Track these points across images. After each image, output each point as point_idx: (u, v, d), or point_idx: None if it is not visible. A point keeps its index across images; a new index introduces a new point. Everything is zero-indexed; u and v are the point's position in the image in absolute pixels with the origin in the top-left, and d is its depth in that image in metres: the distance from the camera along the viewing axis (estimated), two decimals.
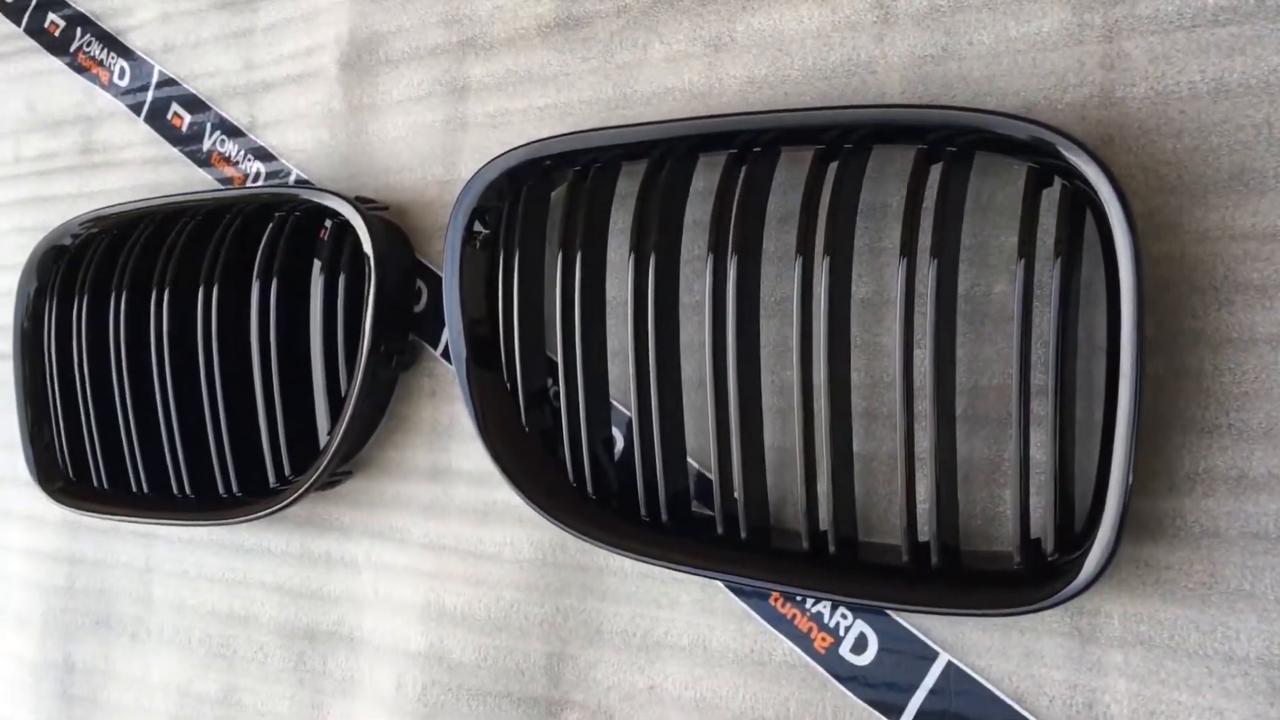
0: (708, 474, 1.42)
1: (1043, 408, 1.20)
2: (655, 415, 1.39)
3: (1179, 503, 1.20)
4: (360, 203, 1.69)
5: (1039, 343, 1.26)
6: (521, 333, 1.50)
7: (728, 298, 1.34)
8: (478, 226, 1.54)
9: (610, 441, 1.53)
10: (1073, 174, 1.21)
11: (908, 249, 1.23)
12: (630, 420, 1.43)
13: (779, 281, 1.44)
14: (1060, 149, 1.19)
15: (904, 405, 1.25)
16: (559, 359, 1.45)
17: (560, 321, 1.43)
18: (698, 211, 1.43)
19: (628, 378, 1.39)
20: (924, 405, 1.21)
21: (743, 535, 1.43)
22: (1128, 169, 1.25)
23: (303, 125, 1.89)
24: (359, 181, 1.83)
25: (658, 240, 1.41)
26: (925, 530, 1.25)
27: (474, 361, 1.55)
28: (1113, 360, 1.20)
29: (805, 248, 1.28)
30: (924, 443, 1.22)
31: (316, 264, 1.69)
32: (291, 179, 1.87)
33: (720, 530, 1.43)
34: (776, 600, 1.49)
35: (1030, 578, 1.26)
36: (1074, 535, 1.27)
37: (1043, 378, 1.20)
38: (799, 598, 1.46)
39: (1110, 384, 1.21)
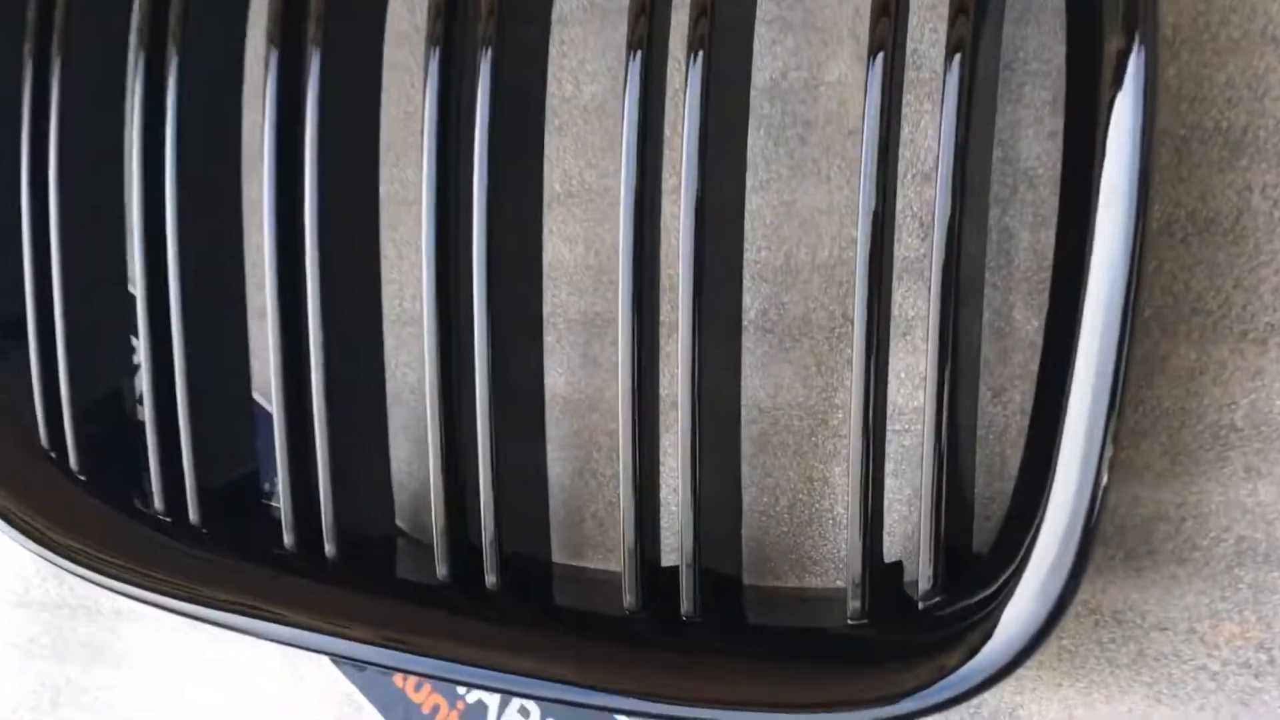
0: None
1: (915, 312, 0.66)
2: None
3: (1198, 496, 0.52)
4: None
5: (911, 178, 0.65)
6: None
7: None
8: None
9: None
10: None
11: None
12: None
13: None
14: None
15: (631, 299, 0.57)
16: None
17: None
18: None
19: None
20: (675, 306, 0.64)
21: (330, 555, 0.71)
22: None
23: None
24: None
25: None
26: (673, 546, 0.65)
27: None
28: (1073, 218, 0.54)
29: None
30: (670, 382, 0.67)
31: None
32: None
33: (295, 548, 0.71)
34: (404, 682, 0.77)
35: (881, 643, 0.57)
36: (971, 562, 0.59)
37: (916, 248, 0.66)
38: (435, 678, 0.74)
39: (1067, 266, 0.55)
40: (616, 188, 0.76)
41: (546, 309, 0.75)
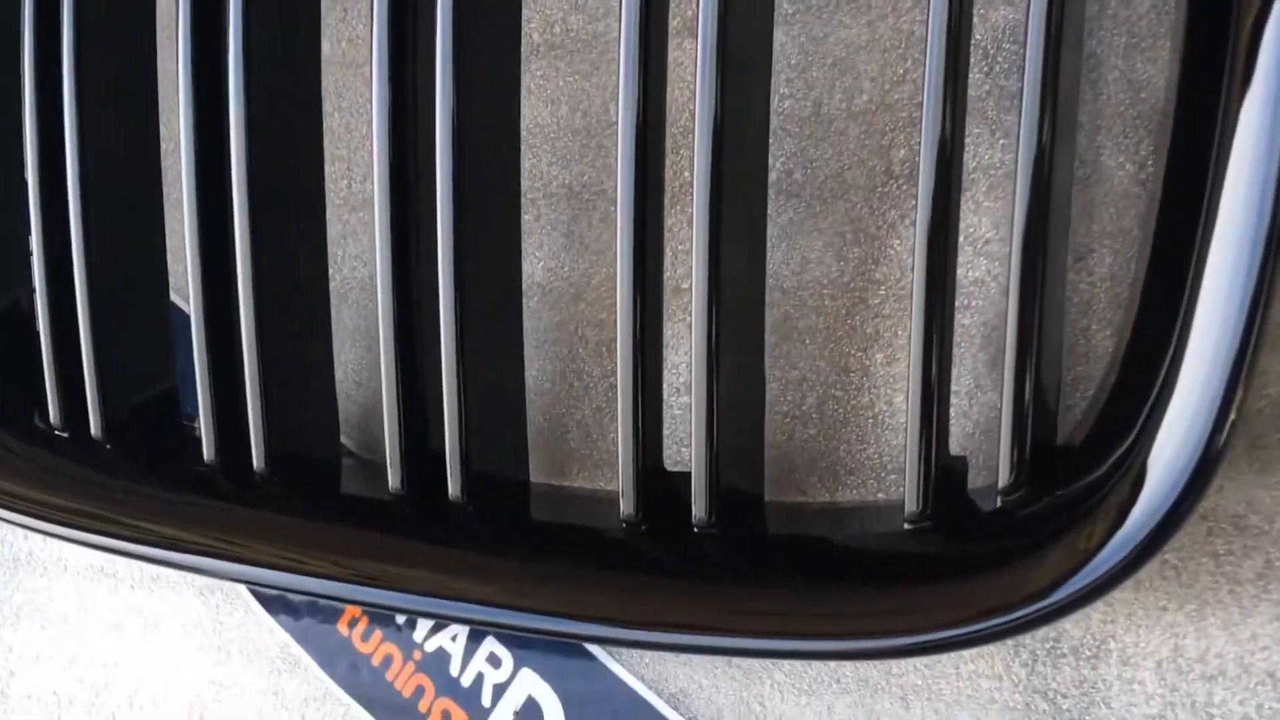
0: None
1: (978, 161, 0.54)
2: None
3: None
4: None
5: None
6: None
7: None
8: None
9: None
10: None
11: None
12: None
13: None
14: None
15: (633, 159, 0.47)
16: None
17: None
18: None
19: None
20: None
21: (259, 470, 0.57)
22: None
23: None
24: None
25: None
26: (684, 453, 0.55)
27: None
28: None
29: None
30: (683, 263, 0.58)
31: None
32: None
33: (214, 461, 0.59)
34: (350, 630, 0.64)
35: (951, 554, 0.44)
36: (1061, 454, 0.46)
37: (980, 84, 0.55)
38: (385, 609, 0.61)
39: (1197, 89, 0.43)
40: (605, 34, 0.64)
41: (524, 182, 0.62)
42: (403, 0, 0.57)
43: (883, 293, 0.57)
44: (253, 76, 0.59)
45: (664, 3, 0.54)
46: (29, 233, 0.73)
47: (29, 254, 0.76)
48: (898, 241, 0.57)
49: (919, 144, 0.56)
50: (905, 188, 0.57)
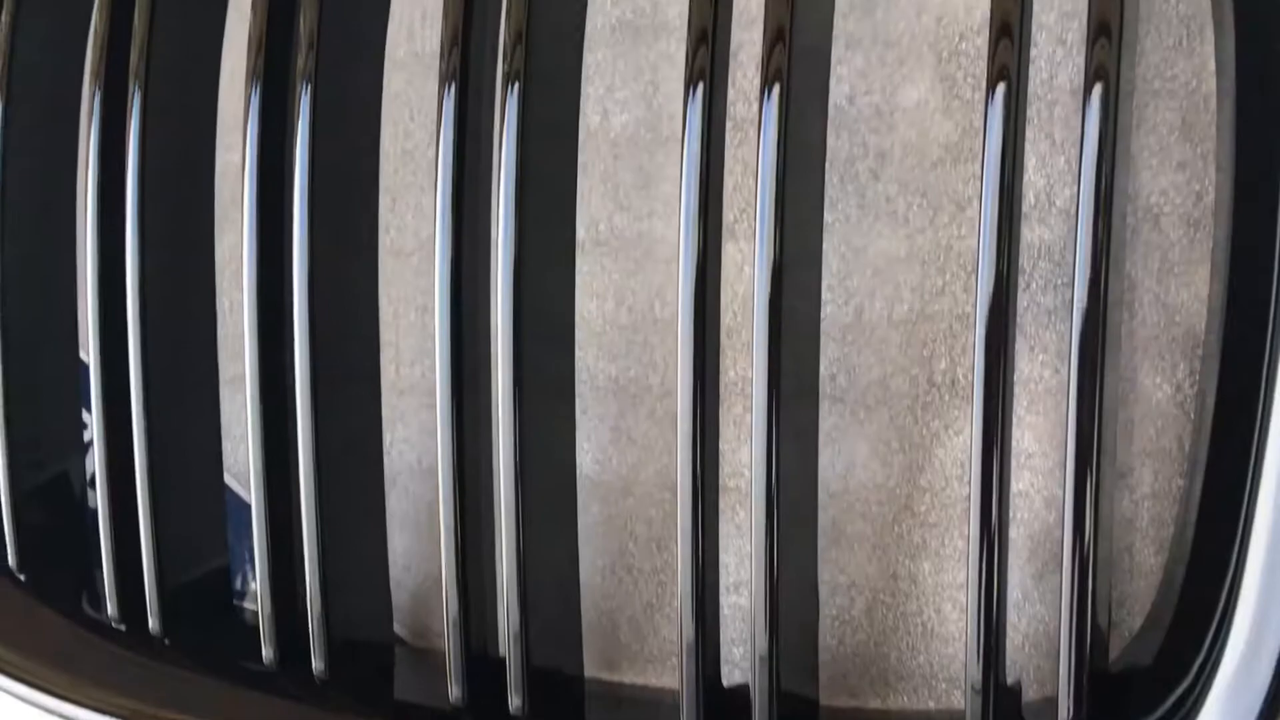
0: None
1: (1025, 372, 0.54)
2: None
3: None
4: None
5: (1042, 208, 0.55)
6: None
7: None
8: None
9: None
10: None
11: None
12: None
13: None
14: None
15: (692, 361, 0.53)
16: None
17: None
18: None
19: None
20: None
21: (319, 672, 0.60)
22: None
23: None
24: None
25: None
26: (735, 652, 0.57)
27: None
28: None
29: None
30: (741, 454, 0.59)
31: None
32: None
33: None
34: None
35: None
36: (1118, 682, 0.48)
37: (1047, 296, 0.56)
38: None
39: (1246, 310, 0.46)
40: (649, 234, 0.66)
41: None
42: (462, 193, 0.59)
43: (929, 500, 0.59)
44: (315, 259, 0.61)
45: (719, 209, 0.56)
46: (81, 408, 0.75)
47: (79, 426, 0.78)
48: (942, 451, 0.59)
49: (960, 355, 0.59)
50: (947, 398, 0.59)
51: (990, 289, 0.49)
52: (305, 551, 0.62)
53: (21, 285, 0.75)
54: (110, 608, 0.68)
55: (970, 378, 0.58)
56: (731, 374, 0.62)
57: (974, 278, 0.58)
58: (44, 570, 0.74)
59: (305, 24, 0.61)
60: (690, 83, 0.53)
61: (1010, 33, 0.50)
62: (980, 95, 0.58)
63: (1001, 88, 0.49)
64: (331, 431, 0.64)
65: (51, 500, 0.77)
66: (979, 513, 0.49)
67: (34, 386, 0.75)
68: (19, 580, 0.73)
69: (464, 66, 0.60)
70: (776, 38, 0.53)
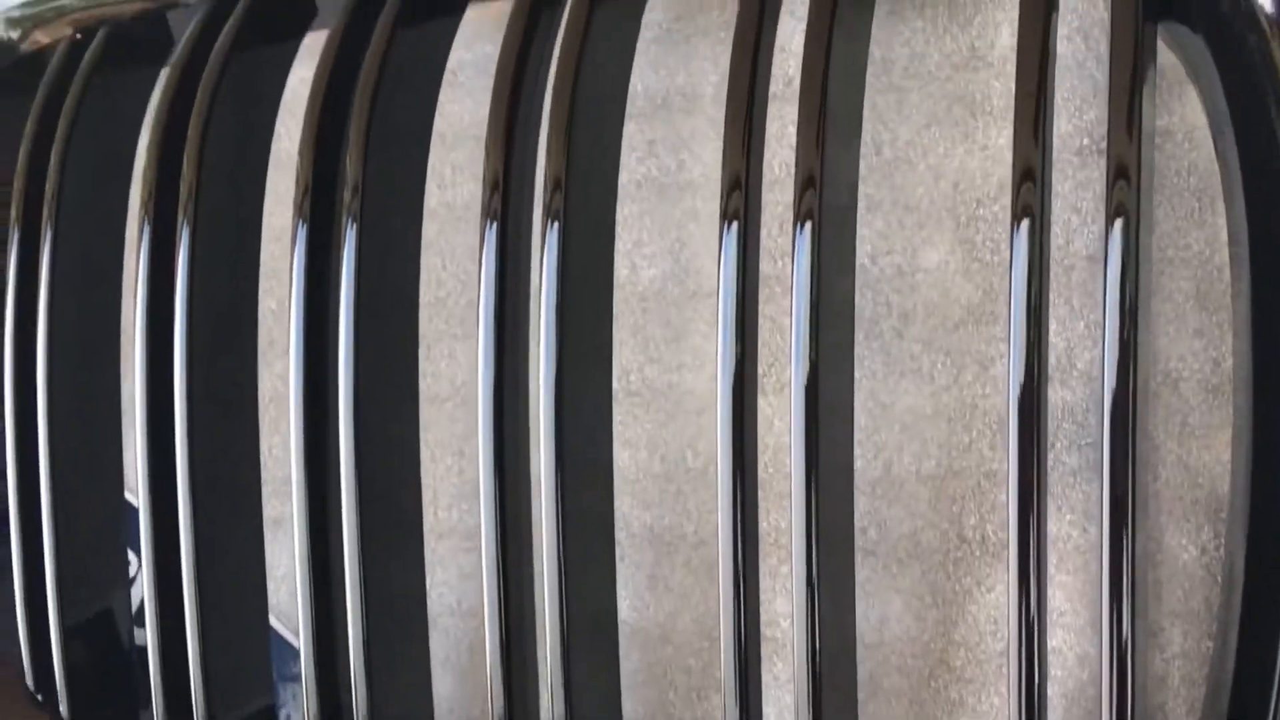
0: None
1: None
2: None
3: None
4: None
5: (1063, 370, 0.57)
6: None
7: None
8: None
9: None
10: None
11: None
12: None
13: None
14: None
15: (732, 514, 0.49)
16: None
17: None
18: None
19: None
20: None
21: None
22: None
23: None
24: None
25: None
26: None
27: None
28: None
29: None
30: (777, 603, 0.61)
31: None
32: None
33: None
34: None
35: None
36: None
37: (1071, 456, 0.58)
38: None
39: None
40: (679, 385, 0.68)
41: None
42: (503, 341, 0.61)
43: (964, 655, 0.60)
44: (360, 402, 0.63)
45: (754, 360, 0.58)
46: (132, 549, 0.77)
47: (123, 559, 0.80)
48: (975, 606, 0.60)
49: (989, 511, 0.60)
50: (978, 554, 0.60)
51: (1018, 445, 0.51)
52: (354, 696, 0.64)
53: (66, 428, 0.77)
54: None
55: (1001, 535, 0.60)
56: (764, 525, 0.64)
57: (999, 435, 0.60)
58: (92, 713, 0.75)
59: (352, 166, 0.64)
60: (725, 219, 0.55)
61: (1033, 176, 0.52)
62: (999, 259, 0.60)
63: (1025, 224, 0.50)
64: (376, 577, 0.66)
65: (97, 641, 0.79)
66: (1018, 674, 0.50)
67: (83, 529, 0.77)
68: None
69: (504, 209, 0.62)
70: (808, 183, 0.55)
